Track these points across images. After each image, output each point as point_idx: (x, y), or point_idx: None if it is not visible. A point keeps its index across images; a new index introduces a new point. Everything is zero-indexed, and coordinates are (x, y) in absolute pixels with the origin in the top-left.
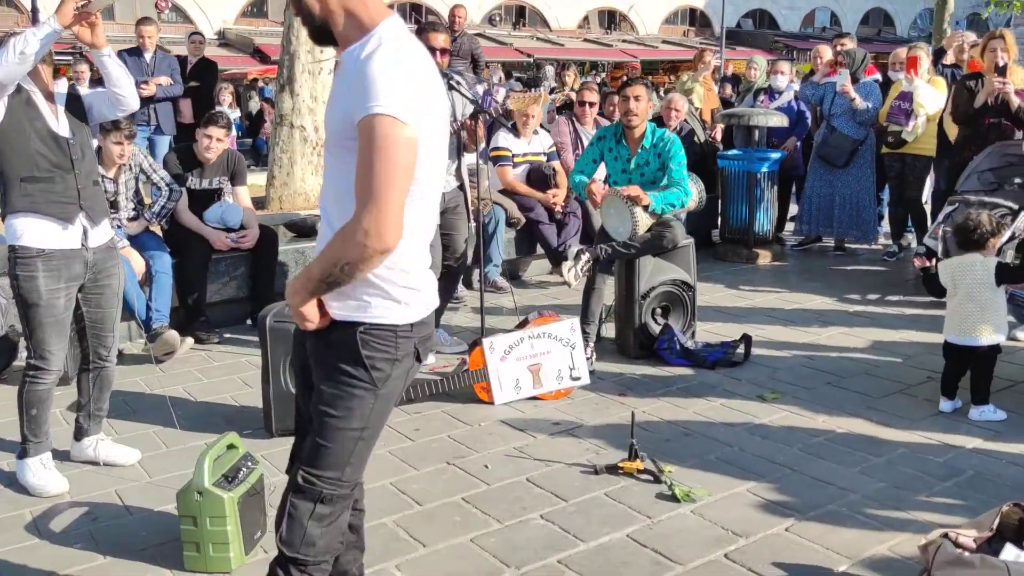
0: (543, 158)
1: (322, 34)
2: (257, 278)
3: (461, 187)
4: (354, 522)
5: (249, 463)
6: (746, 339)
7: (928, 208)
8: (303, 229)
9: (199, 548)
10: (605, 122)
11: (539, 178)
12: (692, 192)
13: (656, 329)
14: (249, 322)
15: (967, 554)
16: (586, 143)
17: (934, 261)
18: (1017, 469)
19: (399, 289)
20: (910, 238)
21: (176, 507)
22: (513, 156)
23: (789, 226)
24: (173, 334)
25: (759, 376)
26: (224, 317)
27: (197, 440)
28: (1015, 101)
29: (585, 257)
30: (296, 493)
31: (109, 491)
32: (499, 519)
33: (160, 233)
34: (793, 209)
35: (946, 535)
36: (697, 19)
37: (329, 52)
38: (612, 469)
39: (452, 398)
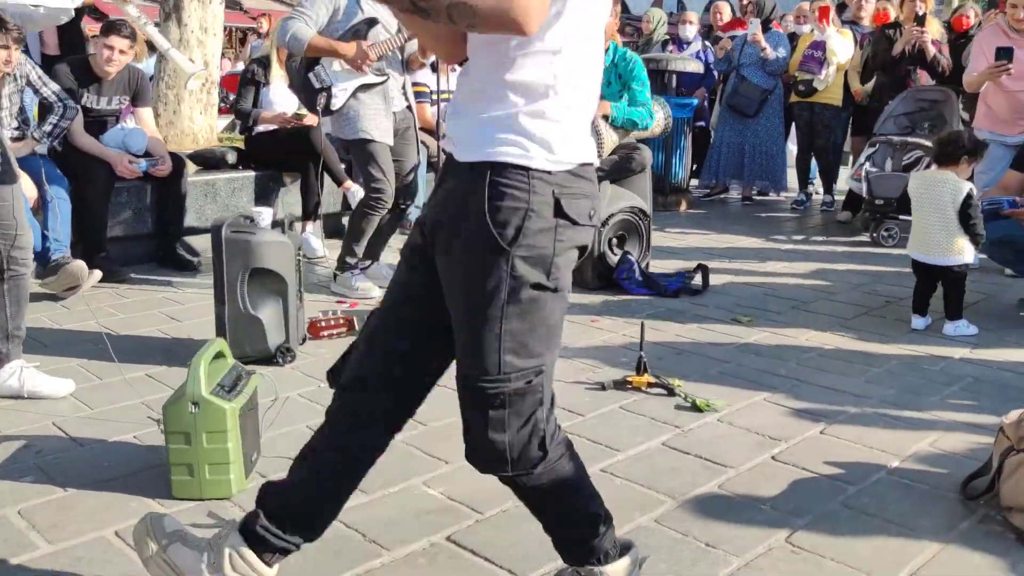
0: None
1: None
2: (163, 211)
3: (410, 108)
4: None
5: (243, 372)
6: (703, 268)
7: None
8: (210, 160)
9: (192, 470)
10: None
11: None
12: (657, 115)
13: (614, 259)
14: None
15: None
16: None
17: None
18: (1011, 374)
19: (551, 126)
20: (811, 189)
21: (159, 426)
22: (431, 93)
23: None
24: (80, 264)
25: (724, 302)
26: (125, 254)
27: (136, 371)
28: (931, 50)
29: None
30: (471, 404)
31: (45, 423)
32: None
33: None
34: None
35: None
36: None
37: None
38: (620, 384)
39: None
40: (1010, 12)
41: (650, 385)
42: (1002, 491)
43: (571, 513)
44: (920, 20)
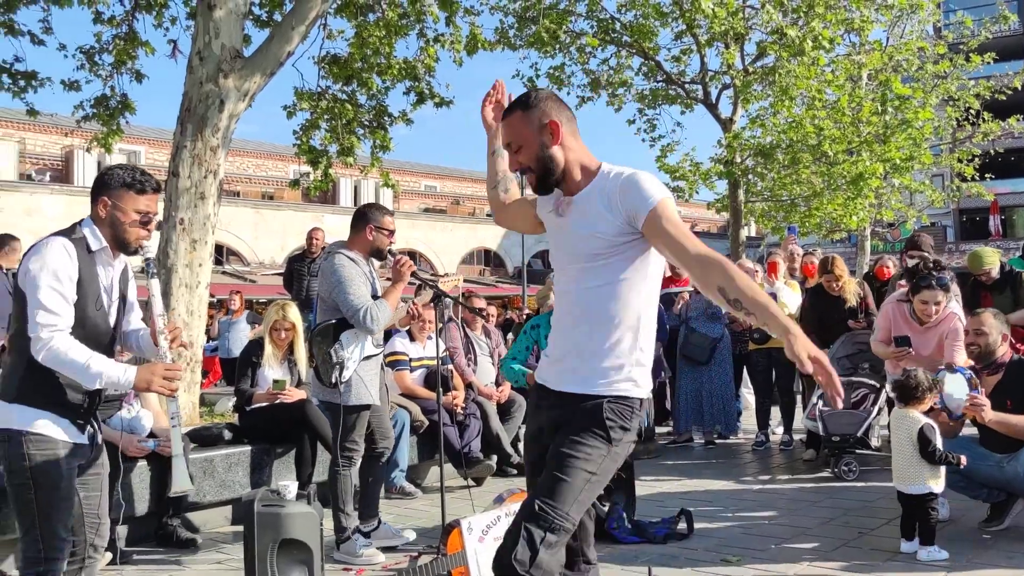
0: (438, 362)
1: (550, 185)
2: (163, 490)
3: (382, 367)
4: None
5: None
6: (686, 513)
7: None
8: (207, 438)
9: None
10: (492, 328)
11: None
12: None
13: (603, 510)
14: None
15: None
16: (476, 347)
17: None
18: None
19: (638, 369)
20: (768, 431)
21: None
22: (410, 360)
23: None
24: None
25: (711, 544)
26: (124, 536)
27: None
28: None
29: None
30: (530, 520)
31: None
32: None
33: None
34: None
35: None
36: (492, 259)
37: (207, 270)
38: None
39: None
40: (920, 308)
41: None
42: None
43: None
44: (827, 270)
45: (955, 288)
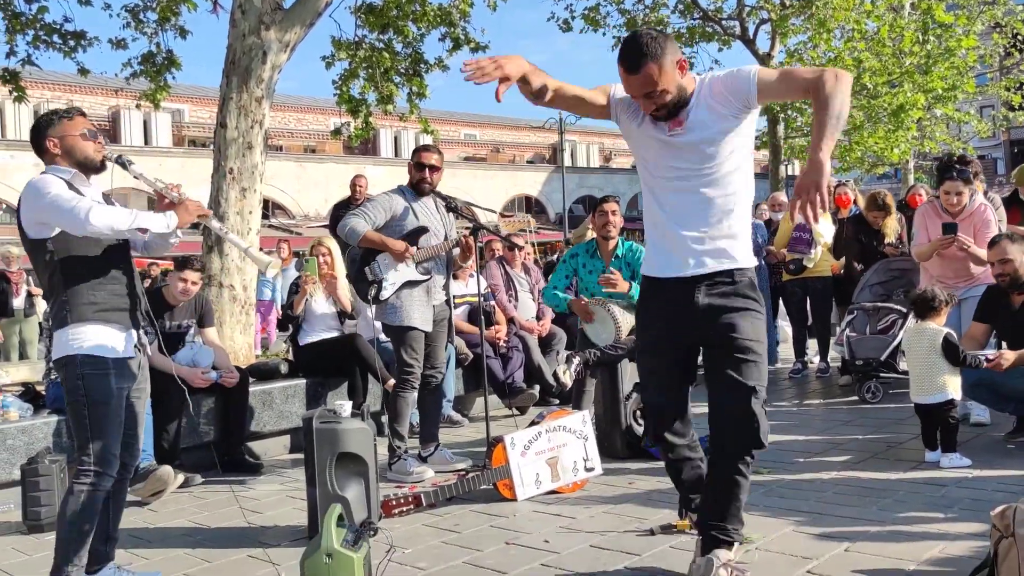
0: (479, 298)
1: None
2: (226, 420)
3: (448, 303)
4: None
5: (360, 531)
6: None
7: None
8: (265, 372)
9: None
10: (532, 265)
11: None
12: None
13: (639, 429)
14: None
15: None
16: (517, 284)
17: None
18: (1004, 494)
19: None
20: (806, 359)
21: None
22: (454, 297)
23: None
24: (167, 469)
25: None
26: (192, 462)
27: (238, 554)
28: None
29: (576, 360)
30: (757, 401)
31: None
32: None
33: None
34: None
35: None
36: (533, 206)
37: (256, 217)
38: (667, 528)
39: (471, 500)
40: (944, 198)
41: (691, 527)
42: (1000, 574)
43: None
44: (879, 206)
45: (1003, 213)
